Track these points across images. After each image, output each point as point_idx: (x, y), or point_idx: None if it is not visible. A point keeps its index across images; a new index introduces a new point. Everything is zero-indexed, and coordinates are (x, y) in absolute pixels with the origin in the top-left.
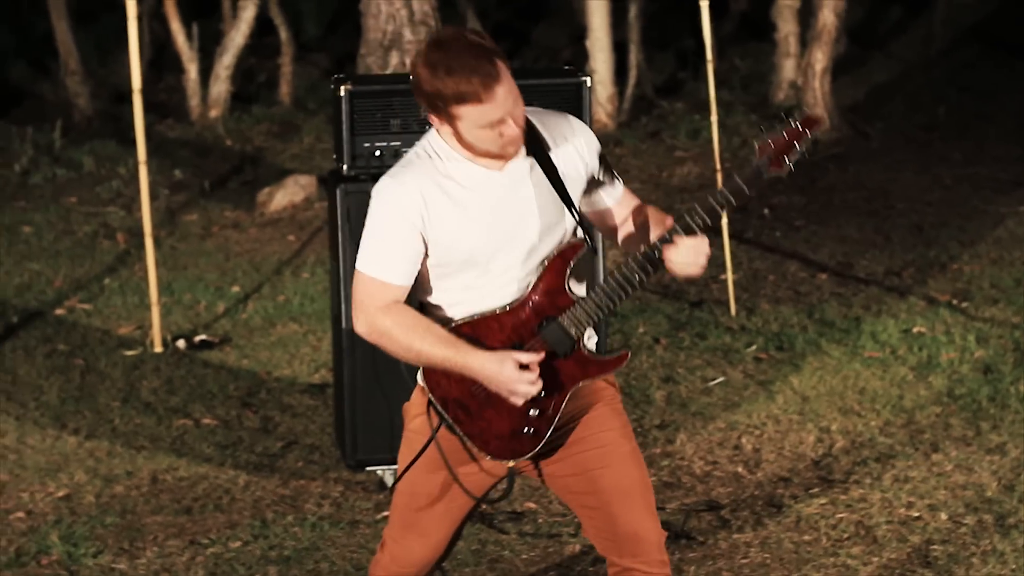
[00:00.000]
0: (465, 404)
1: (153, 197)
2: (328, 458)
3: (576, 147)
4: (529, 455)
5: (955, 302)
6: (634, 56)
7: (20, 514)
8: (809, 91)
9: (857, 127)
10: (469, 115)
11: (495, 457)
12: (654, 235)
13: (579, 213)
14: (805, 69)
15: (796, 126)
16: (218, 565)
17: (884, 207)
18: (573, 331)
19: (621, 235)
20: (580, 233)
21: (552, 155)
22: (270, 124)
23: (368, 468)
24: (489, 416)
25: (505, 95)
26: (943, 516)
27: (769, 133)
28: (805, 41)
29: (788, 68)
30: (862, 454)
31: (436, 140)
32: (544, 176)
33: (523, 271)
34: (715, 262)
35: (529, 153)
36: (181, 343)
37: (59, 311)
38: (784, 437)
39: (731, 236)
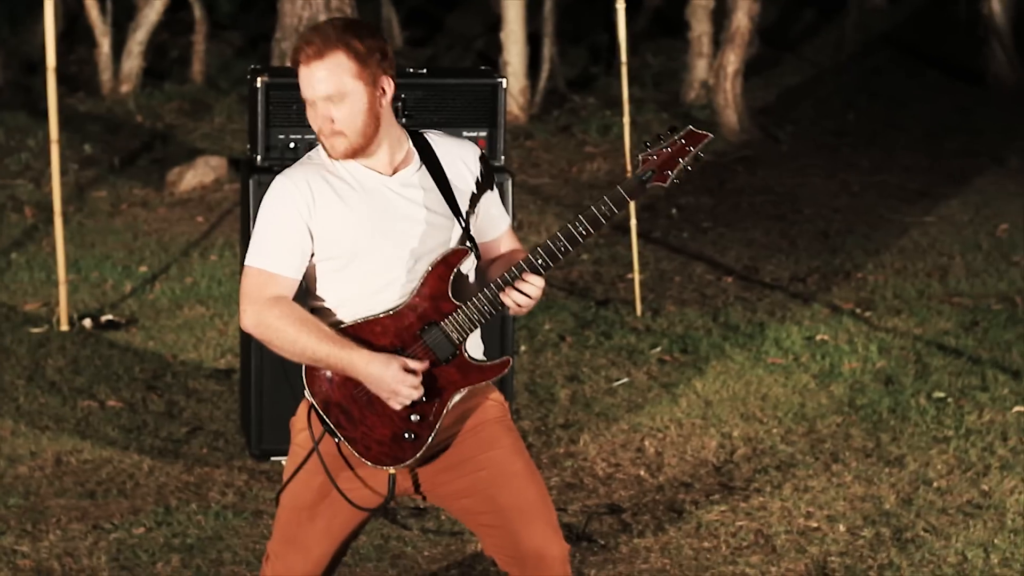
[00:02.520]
0: (347, 408)
1: (62, 172)
2: (233, 446)
3: (466, 161)
4: (410, 461)
5: (858, 311)
6: (547, 49)
7: None
8: (720, 92)
9: (767, 130)
10: (300, 81)
11: (376, 463)
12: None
13: (467, 223)
14: (717, 70)
15: (680, 141)
16: (121, 551)
17: (791, 212)
18: (455, 336)
19: (490, 269)
20: (467, 243)
21: (443, 165)
22: (181, 102)
23: (273, 458)
24: (371, 421)
25: (329, 79)
26: (841, 528)
27: (654, 146)
28: (718, 41)
29: (700, 68)
30: (763, 462)
31: None
32: (435, 184)
33: (407, 276)
34: (622, 261)
35: (422, 162)
36: (87, 322)
37: None
38: (687, 441)
39: (639, 235)
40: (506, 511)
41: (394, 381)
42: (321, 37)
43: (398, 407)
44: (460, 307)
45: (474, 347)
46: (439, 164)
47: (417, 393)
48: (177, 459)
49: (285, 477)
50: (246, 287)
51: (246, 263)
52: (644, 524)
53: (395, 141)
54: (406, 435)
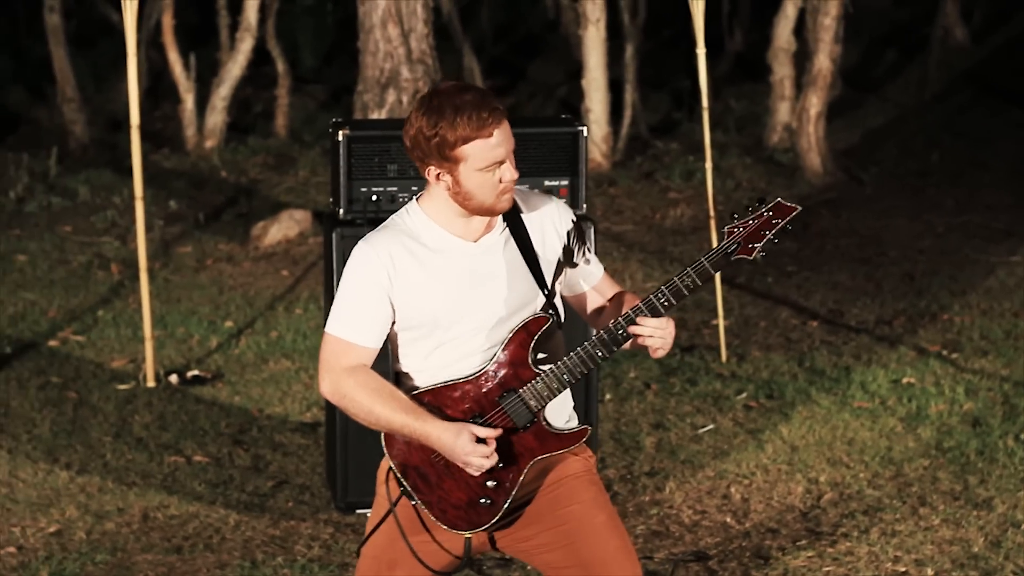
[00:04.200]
0: (424, 472)
1: (148, 229)
2: (319, 499)
3: (555, 225)
4: (486, 527)
5: (945, 353)
6: (629, 95)
7: (11, 549)
8: (803, 135)
9: (851, 172)
10: (474, 153)
11: (452, 527)
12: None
13: (551, 290)
14: (800, 113)
15: (767, 214)
16: None
17: (876, 254)
18: (533, 404)
19: (594, 318)
20: (549, 310)
21: (528, 230)
22: (266, 156)
23: (359, 511)
24: (447, 485)
25: (507, 137)
26: (930, 572)
27: (741, 218)
28: (800, 84)
29: (783, 111)
30: (850, 506)
31: (414, 209)
32: (518, 250)
33: (488, 342)
34: (707, 307)
35: (507, 225)
36: (174, 378)
37: (52, 342)
38: (773, 487)
39: (723, 281)
40: (589, 565)
41: (464, 452)
42: (490, 104)
43: (476, 474)
44: (540, 375)
45: (555, 414)
46: (523, 228)
47: (489, 462)
48: (263, 513)
49: (368, 528)
50: (325, 355)
51: (326, 330)
52: (731, 571)
53: None
54: (482, 500)
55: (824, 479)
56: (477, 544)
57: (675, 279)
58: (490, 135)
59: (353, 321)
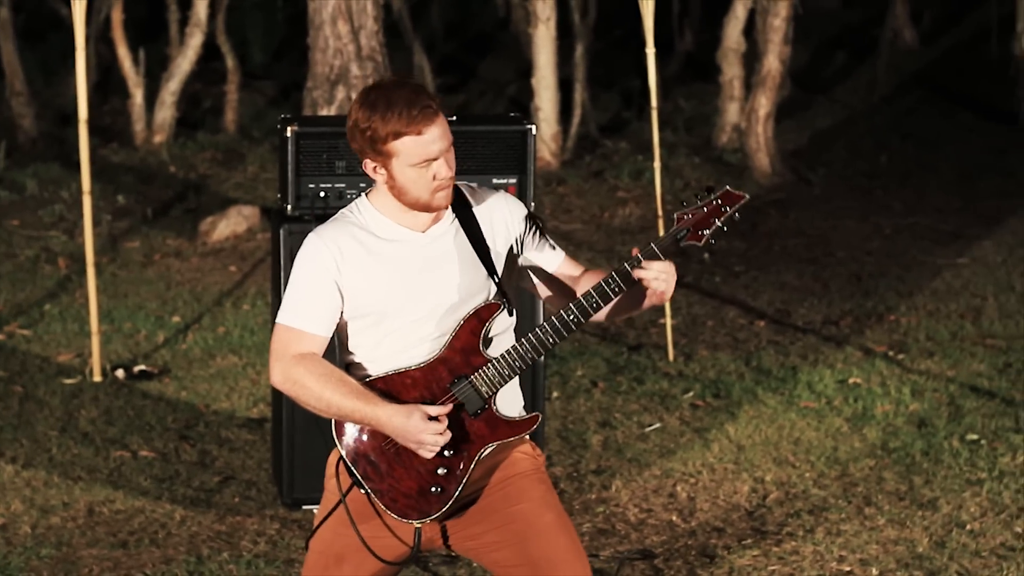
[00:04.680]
0: (374, 461)
1: (95, 223)
2: (265, 495)
3: (503, 215)
4: (436, 515)
5: (891, 353)
6: (579, 94)
7: None
8: (752, 135)
9: (799, 173)
10: (405, 150)
11: (402, 516)
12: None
13: (501, 279)
14: (749, 114)
15: (716, 201)
16: None
17: (824, 255)
18: (484, 390)
19: (556, 302)
20: (502, 299)
21: (479, 220)
22: (214, 151)
23: (305, 507)
24: (398, 474)
25: (441, 134)
26: (874, 571)
27: (690, 205)
28: (750, 85)
29: (732, 111)
30: (795, 506)
31: (363, 202)
32: (467, 240)
33: (438, 330)
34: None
35: (456, 216)
36: (120, 373)
37: None
38: (719, 486)
39: None
40: (537, 563)
41: (416, 430)
42: (423, 101)
43: (428, 455)
44: (491, 362)
45: (506, 402)
46: (474, 220)
47: (443, 439)
48: (209, 508)
49: (316, 522)
50: (275, 344)
51: (277, 320)
52: (676, 570)
53: None
54: (432, 488)
55: (770, 478)
56: (428, 539)
57: (624, 264)
58: (420, 132)
59: (303, 310)
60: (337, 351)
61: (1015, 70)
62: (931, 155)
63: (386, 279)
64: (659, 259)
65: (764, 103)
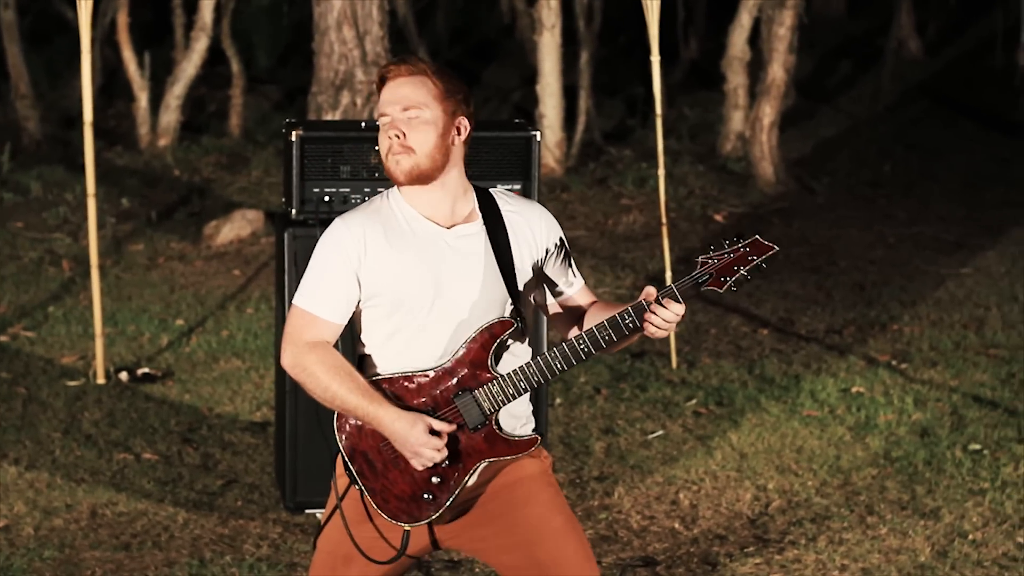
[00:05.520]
0: (371, 459)
1: (100, 226)
2: (268, 498)
3: (536, 231)
4: (424, 521)
5: (894, 363)
6: (584, 101)
7: None
8: (756, 144)
9: (803, 182)
10: (379, 103)
11: (391, 517)
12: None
13: (519, 295)
14: (753, 122)
15: (744, 249)
16: None
17: (827, 264)
18: (487, 406)
19: (566, 329)
20: (516, 317)
21: (509, 230)
22: (219, 155)
23: (307, 511)
24: (392, 475)
25: (405, 96)
26: None
27: (717, 250)
28: (754, 93)
29: (736, 120)
30: (798, 514)
31: (394, 192)
32: (492, 250)
33: (451, 333)
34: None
35: (485, 224)
36: (124, 375)
37: (2, 338)
38: (721, 494)
39: None
40: (546, 567)
41: (417, 442)
42: (412, 61)
43: (420, 468)
44: (497, 378)
45: (509, 418)
46: (504, 230)
47: (439, 456)
48: (212, 512)
49: (323, 519)
50: (289, 327)
51: (293, 302)
52: None
53: (461, 194)
54: (425, 495)
55: (772, 486)
56: (417, 544)
57: (642, 301)
58: (383, 84)
59: (320, 295)
60: (351, 341)
61: (1020, 80)
62: (935, 165)
63: (404, 266)
64: (678, 302)
65: (768, 112)
